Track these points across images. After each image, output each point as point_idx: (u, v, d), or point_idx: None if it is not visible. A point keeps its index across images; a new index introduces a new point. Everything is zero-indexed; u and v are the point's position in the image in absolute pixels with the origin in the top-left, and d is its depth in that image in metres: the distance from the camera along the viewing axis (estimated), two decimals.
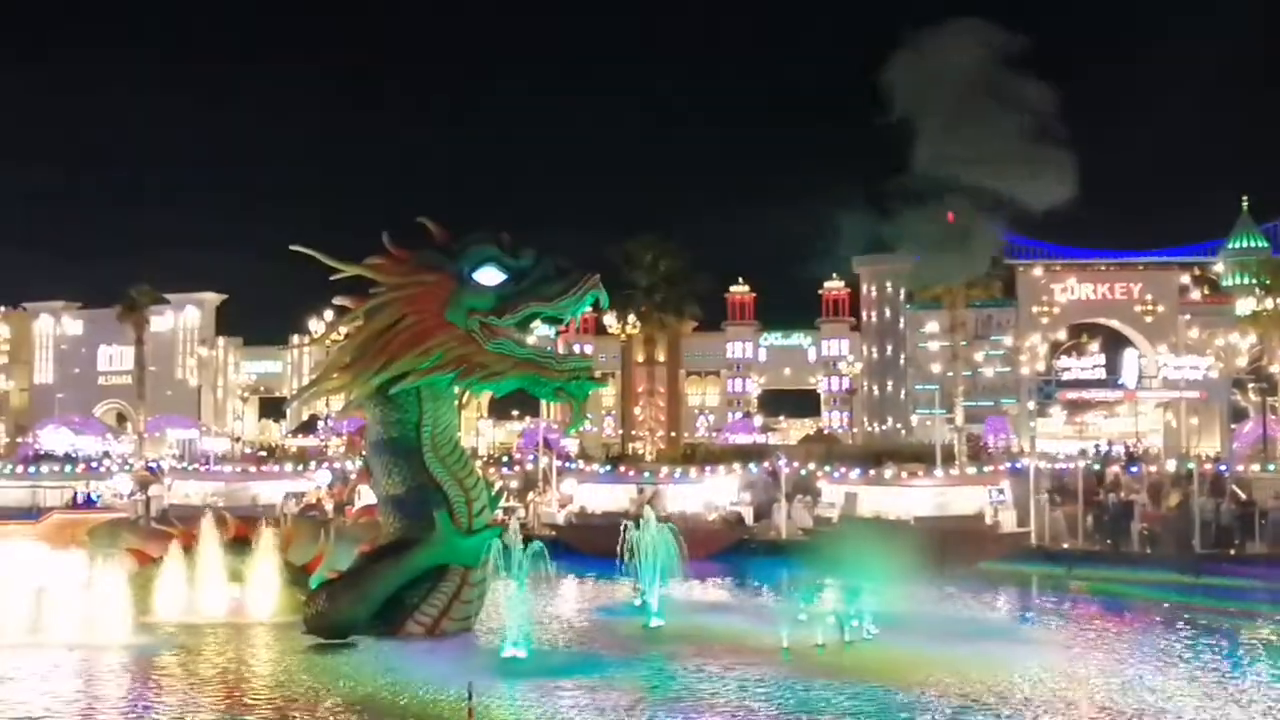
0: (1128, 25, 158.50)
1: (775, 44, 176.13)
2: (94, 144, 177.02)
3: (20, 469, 46.12)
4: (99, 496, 40.83)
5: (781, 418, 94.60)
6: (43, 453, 60.10)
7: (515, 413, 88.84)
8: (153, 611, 22.56)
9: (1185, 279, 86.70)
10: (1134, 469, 43.67)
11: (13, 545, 22.32)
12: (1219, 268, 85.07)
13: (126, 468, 48.86)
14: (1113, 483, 41.78)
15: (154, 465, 51.29)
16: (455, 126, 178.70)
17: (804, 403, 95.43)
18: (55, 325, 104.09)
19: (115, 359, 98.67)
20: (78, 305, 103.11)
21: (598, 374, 22.64)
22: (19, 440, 79.14)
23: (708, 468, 42.21)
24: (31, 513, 37.67)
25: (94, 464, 49.03)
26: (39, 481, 41.46)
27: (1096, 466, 44.16)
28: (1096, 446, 67.52)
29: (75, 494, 40.39)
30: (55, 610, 20.85)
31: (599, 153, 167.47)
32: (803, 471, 41.73)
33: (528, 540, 21.11)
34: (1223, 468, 40.58)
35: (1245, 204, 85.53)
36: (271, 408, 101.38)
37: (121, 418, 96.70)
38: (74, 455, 56.77)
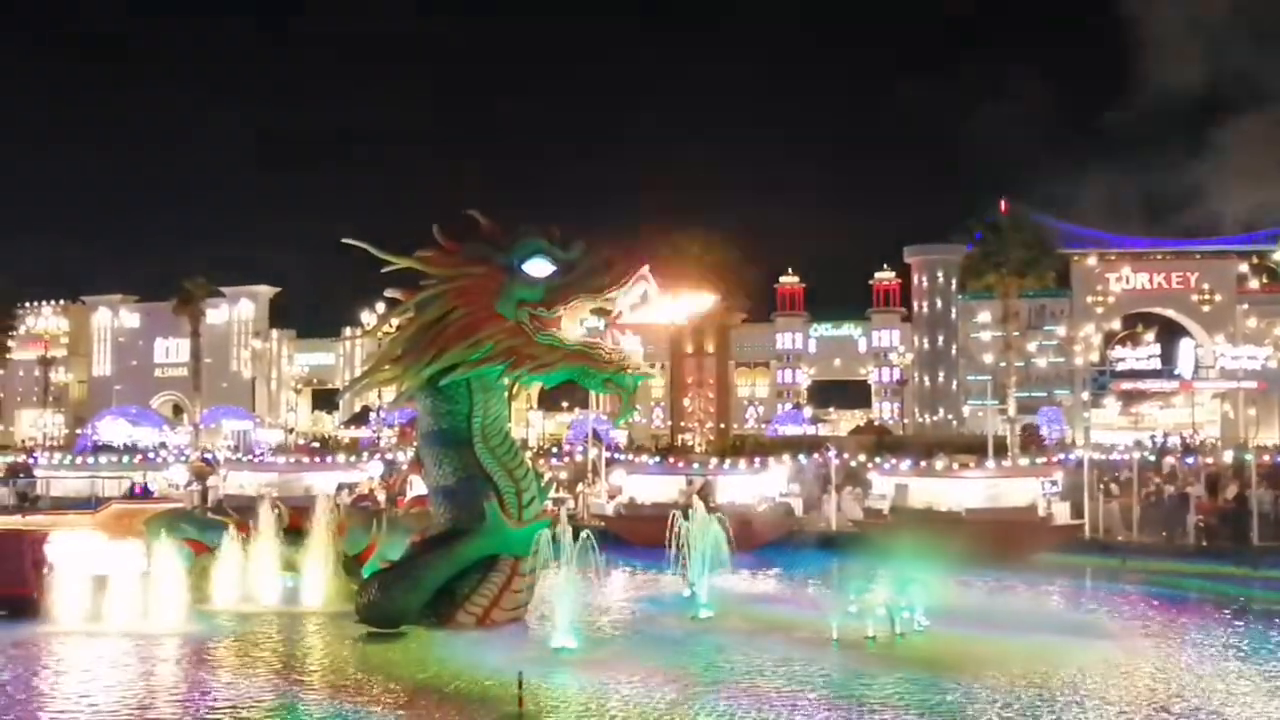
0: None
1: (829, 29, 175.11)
2: (151, 139, 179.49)
3: (79, 460, 46.91)
4: (153, 487, 41.41)
5: (831, 409, 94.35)
6: (101, 444, 61.12)
7: (565, 404, 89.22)
8: (209, 600, 22.90)
9: (1243, 267, 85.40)
10: (1190, 460, 43.07)
11: (73, 534, 22.65)
12: (1278, 256, 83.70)
13: (182, 458, 49.56)
14: (1169, 474, 41.24)
15: (209, 456, 51.98)
16: (505, 120, 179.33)
17: (854, 393, 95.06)
18: (113, 318, 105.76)
19: (171, 351, 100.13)
20: (135, 298, 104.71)
21: (647, 366, 22.62)
22: (78, 431, 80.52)
23: (757, 459, 42.09)
24: (90, 502, 38.28)
25: (151, 455, 49.75)
26: (97, 472, 42.16)
27: (1152, 458, 43.61)
28: (1152, 437, 66.69)
29: (132, 484, 40.99)
30: (114, 598, 21.23)
31: (649, 144, 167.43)
32: (853, 463, 41.51)
33: (577, 531, 21.16)
34: None
35: None
36: (324, 399, 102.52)
37: (178, 409, 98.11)
38: (131, 446, 57.65)
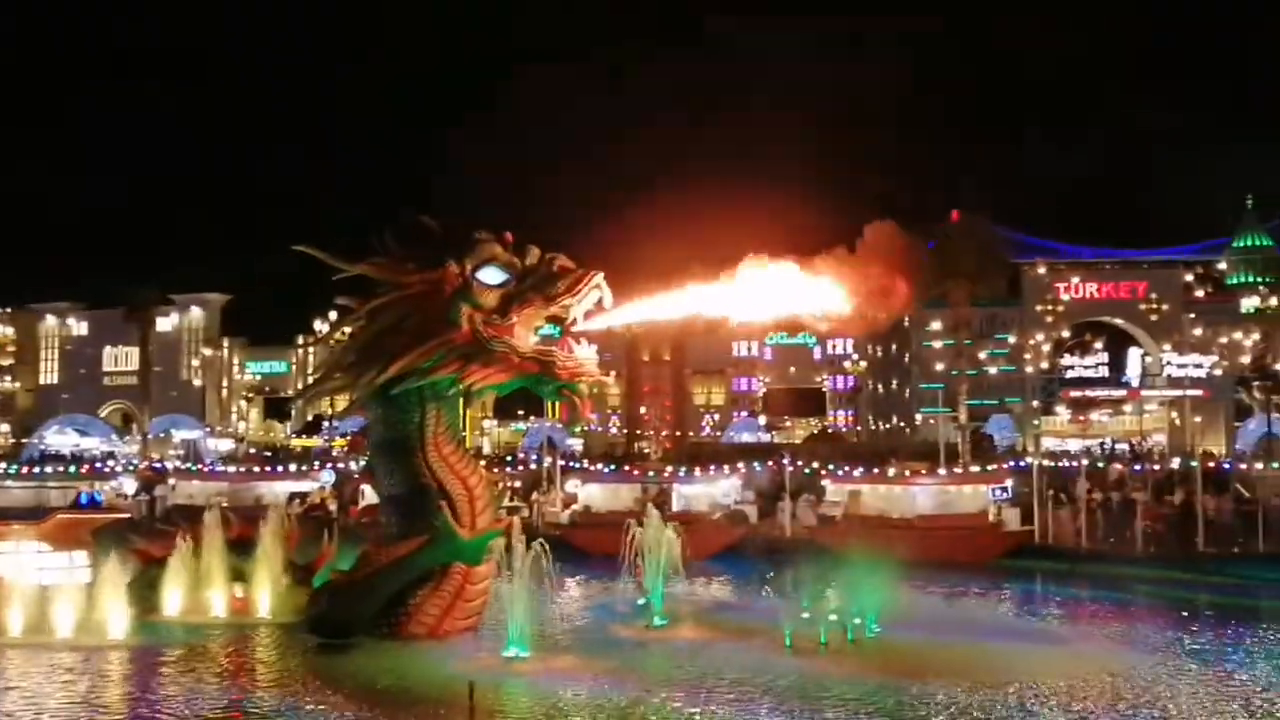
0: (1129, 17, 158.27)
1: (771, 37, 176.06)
2: (100, 145, 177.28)
3: (25, 469, 46.21)
4: (100, 496, 40.86)
5: (786, 417, 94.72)
6: (48, 453, 60.23)
7: (520, 412, 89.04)
8: (157, 611, 22.61)
9: (1190, 277, 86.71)
10: (1138, 467, 43.65)
11: (18, 545, 22.30)
12: (1223, 266, 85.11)
13: (131, 468, 48.95)
14: (1117, 480, 41.77)
15: (158, 465, 51.37)
16: (458, 128, 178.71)
17: (809, 401, 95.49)
18: (61, 326, 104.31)
19: (120, 359, 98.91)
20: (83, 306, 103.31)
21: (601, 373, 22.59)
22: (24, 440, 79.31)
23: (712, 467, 42.20)
24: (36, 512, 37.71)
25: (98, 464, 49.11)
26: (44, 481, 41.56)
27: (1100, 465, 44.16)
28: (1101, 445, 67.56)
29: (80, 494, 40.45)
30: (60, 609, 20.90)
31: (602, 151, 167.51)
32: (807, 470, 41.72)
33: (531, 540, 21.10)
34: (1226, 465, 40.53)
35: (1250, 202, 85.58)
36: (276, 408, 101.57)
37: (127, 418, 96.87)
38: (79, 455, 56.87)
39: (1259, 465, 41.70)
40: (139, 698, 16.99)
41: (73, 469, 45.78)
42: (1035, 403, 78.50)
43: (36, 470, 45.41)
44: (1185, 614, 24.84)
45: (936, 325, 78.04)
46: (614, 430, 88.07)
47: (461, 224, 21.45)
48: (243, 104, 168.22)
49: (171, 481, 43.79)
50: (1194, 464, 38.24)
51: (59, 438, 69.24)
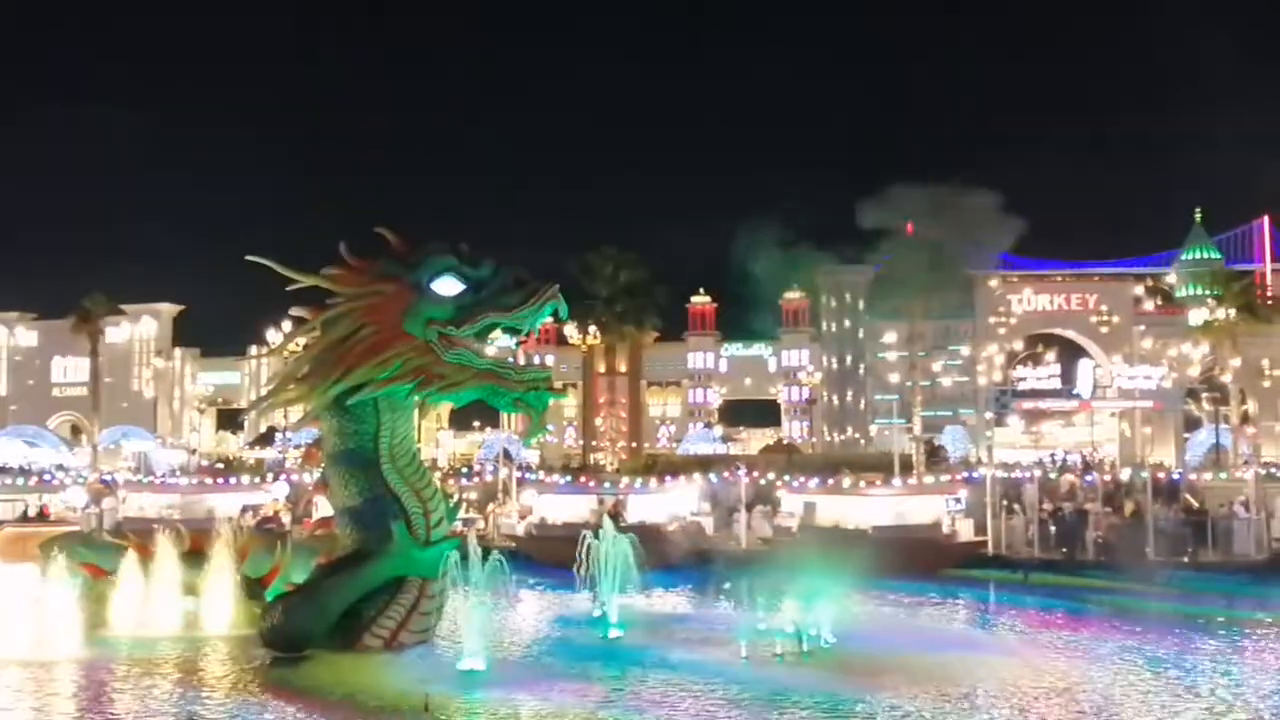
0: (1082, 30, 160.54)
1: (736, 52, 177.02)
2: (49, 155, 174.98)
3: None
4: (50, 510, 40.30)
5: (742, 428, 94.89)
6: None
7: (476, 424, 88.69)
8: (107, 625, 22.30)
9: (1139, 290, 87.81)
10: (1089, 478, 44.12)
11: None
12: (1172, 279, 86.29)
13: (80, 480, 48.27)
14: (1068, 492, 42.21)
15: (108, 478, 50.70)
16: (412, 140, 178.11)
17: (765, 413, 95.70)
18: (9, 336, 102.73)
19: (70, 370, 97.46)
20: (32, 316, 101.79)
21: (558, 385, 22.65)
22: None
23: (668, 478, 42.24)
24: None
25: (47, 476, 48.41)
26: None
27: (1053, 476, 44.60)
28: (1053, 456, 68.19)
29: (27, 507, 39.87)
30: (6, 624, 20.56)
31: (557, 164, 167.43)
32: (762, 481, 41.84)
33: (487, 552, 21.04)
34: (1176, 476, 41.07)
35: (1198, 215, 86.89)
36: (229, 419, 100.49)
37: (76, 430, 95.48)
38: (27, 468, 56.01)
39: (1207, 476, 42.30)
40: (89, 713, 16.74)
41: (20, 481, 45.07)
42: (989, 414, 79.05)
43: None
44: (1136, 622, 25.12)
45: (891, 337, 78.60)
46: (570, 442, 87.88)
47: (417, 235, 21.40)
48: (200, 108, 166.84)
49: (122, 494, 43.25)
50: (1144, 475, 38.72)
51: (7, 449, 68.17)
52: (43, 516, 39.08)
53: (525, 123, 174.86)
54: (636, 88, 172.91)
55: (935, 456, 58.05)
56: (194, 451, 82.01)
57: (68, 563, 22.49)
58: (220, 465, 67.64)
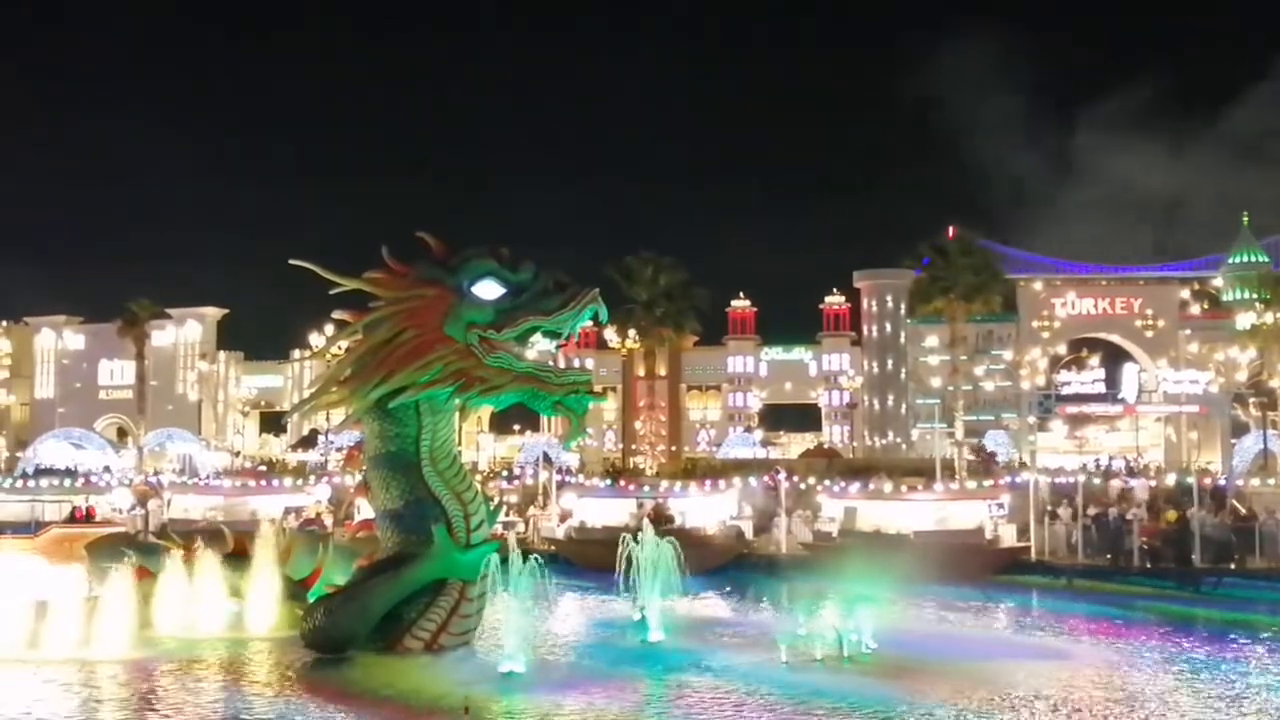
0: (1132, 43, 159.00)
1: (776, 50, 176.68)
2: (97, 159, 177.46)
3: (20, 483, 46.05)
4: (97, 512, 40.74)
5: (782, 432, 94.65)
6: (43, 467, 59.99)
7: (516, 427, 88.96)
8: (152, 626, 22.53)
9: (1185, 293, 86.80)
10: (1134, 483, 43.63)
11: (12, 559, 22.21)
12: (1219, 282, 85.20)
13: (126, 482, 48.81)
14: (1121, 495, 41.63)
15: (153, 480, 51.23)
16: (454, 146, 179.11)
17: (805, 417, 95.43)
18: (57, 340, 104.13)
19: (116, 373, 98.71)
20: (79, 320, 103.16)
21: (597, 388, 22.58)
22: (19, 454, 79.06)
23: (708, 482, 42.16)
24: (30, 527, 37.60)
25: (94, 478, 48.96)
26: (38, 495, 41.38)
27: (1097, 481, 44.13)
28: (1097, 461, 67.48)
29: (74, 508, 40.34)
30: (54, 625, 20.83)
31: (599, 167, 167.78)
32: (802, 486, 41.68)
33: (527, 555, 21.07)
34: (1222, 482, 40.53)
35: (1246, 219, 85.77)
36: (272, 422, 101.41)
37: (122, 432, 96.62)
38: (74, 470, 56.69)
39: (1255, 481, 41.71)
40: (135, 712, 16.92)
41: (68, 483, 45.61)
42: (1031, 419, 78.42)
43: (31, 484, 45.23)
44: (1181, 630, 24.84)
45: (933, 341, 78.01)
46: (610, 445, 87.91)
47: (459, 241, 21.48)
48: (240, 117, 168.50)
49: (167, 495, 43.68)
50: (1191, 480, 38.24)
51: (54, 451, 68.96)
52: (89, 518, 39.52)
53: (566, 126, 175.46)
54: (680, 91, 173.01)
55: (984, 463, 57.43)
56: (238, 454, 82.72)
57: (114, 563, 22.70)
58: (263, 468, 68.22)
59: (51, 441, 70.41)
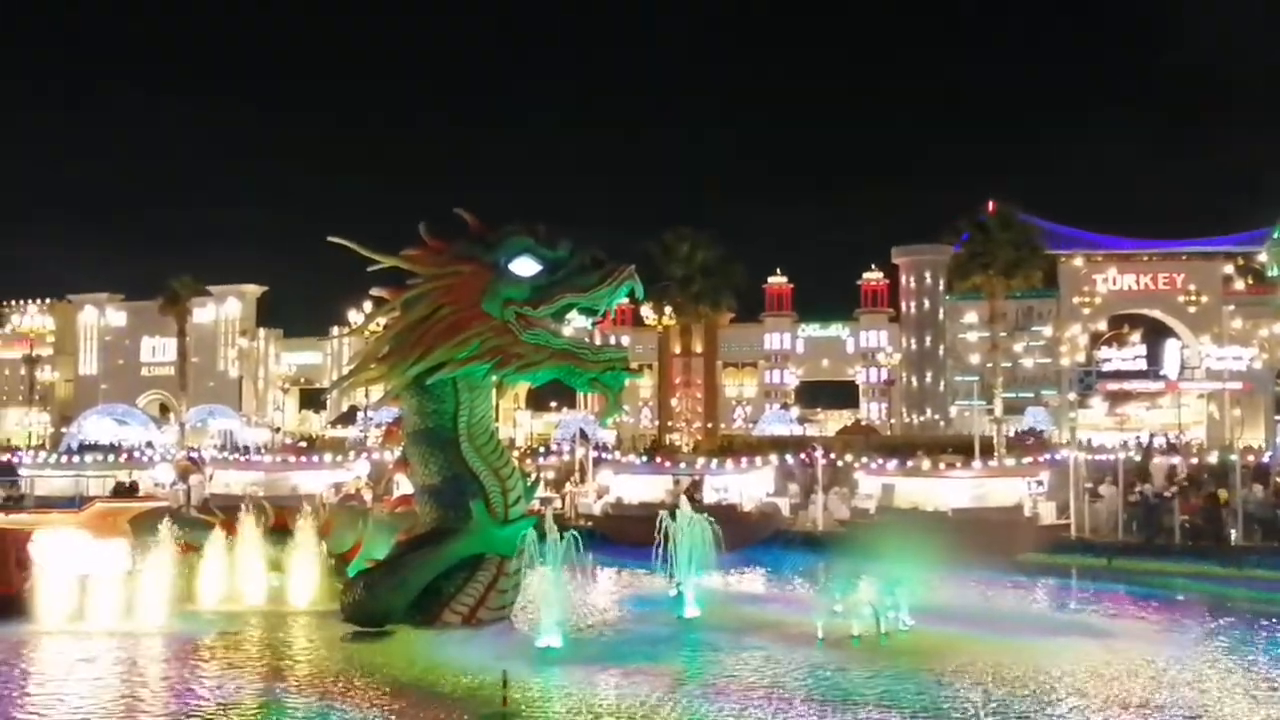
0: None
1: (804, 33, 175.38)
2: (139, 140, 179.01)
3: (65, 458, 46.72)
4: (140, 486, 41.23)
5: (819, 409, 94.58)
6: (87, 443, 60.82)
7: (553, 404, 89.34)
8: (194, 599, 22.83)
9: (1229, 269, 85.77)
10: (1175, 461, 43.21)
11: (57, 533, 22.54)
12: (1263, 258, 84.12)
13: (169, 457, 49.40)
14: (1169, 472, 41.17)
15: (195, 455, 51.81)
16: (489, 123, 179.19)
17: (842, 394, 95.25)
18: (100, 317, 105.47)
19: (158, 350, 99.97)
20: (121, 297, 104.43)
21: (634, 365, 22.56)
22: (63, 430, 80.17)
23: (744, 459, 42.14)
24: (75, 501, 38.16)
25: (136, 454, 49.60)
26: (82, 470, 41.99)
27: (1137, 458, 43.74)
28: (1138, 438, 66.89)
29: (118, 483, 40.86)
30: (98, 597, 21.15)
31: (635, 145, 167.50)
32: (839, 463, 41.58)
33: (564, 530, 21.13)
34: (1266, 459, 40.05)
35: None
36: (311, 398, 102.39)
37: (164, 408, 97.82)
38: (117, 445, 57.44)
39: None
40: (177, 683, 17.16)
41: (111, 458, 46.22)
42: (1071, 395, 77.80)
43: (75, 459, 45.87)
44: (1223, 608, 24.60)
45: (972, 317, 77.51)
46: (646, 422, 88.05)
47: (496, 218, 21.48)
48: (279, 98, 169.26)
49: (209, 470, 44.17)
50: (1234, 458, 37.84)
51: (98, 427, 69.90)
52: (132, 492, 40.02)
53: (603, 104, 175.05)
54: (720, 71, 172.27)
55: (1028, 441, 57.00)
56: (278, 430, 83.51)
57: (156, 537, 22.99)
58: (303, 444, 68.86)
59: (95, 417, 71.43)
